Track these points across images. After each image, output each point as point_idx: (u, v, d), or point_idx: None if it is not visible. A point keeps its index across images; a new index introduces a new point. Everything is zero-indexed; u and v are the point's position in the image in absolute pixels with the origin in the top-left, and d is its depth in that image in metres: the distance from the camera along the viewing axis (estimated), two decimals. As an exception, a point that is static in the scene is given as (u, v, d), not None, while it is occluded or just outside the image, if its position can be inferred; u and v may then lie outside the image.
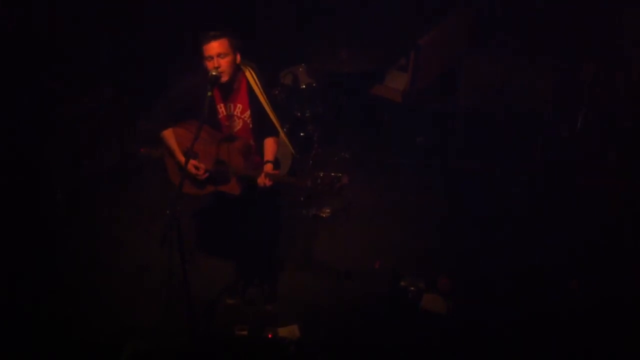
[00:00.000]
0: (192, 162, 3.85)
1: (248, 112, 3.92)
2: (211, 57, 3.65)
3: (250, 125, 3.96)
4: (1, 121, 4.83)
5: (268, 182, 3.71)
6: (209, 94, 3.60)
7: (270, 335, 4.03)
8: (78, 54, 5.26)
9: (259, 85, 3.86)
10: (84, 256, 4.70)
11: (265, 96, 3.87)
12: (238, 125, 3.96)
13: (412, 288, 4.30)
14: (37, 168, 5.04)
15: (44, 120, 5.07)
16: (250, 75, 3.87)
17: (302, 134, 5.33)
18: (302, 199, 5.08)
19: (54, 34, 5.08)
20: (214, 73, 3.64)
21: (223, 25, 3.71)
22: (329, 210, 5.02)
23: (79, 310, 4.27)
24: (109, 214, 5.12)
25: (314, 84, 5.26)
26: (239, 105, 3.91)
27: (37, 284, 4.43)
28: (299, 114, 5.27)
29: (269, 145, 3.92)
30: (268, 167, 3.80)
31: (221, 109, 3.92)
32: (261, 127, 3.93)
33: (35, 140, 5.02)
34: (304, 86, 5.24)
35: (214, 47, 3.64)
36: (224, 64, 3.68)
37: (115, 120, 5.41)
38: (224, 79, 3.71)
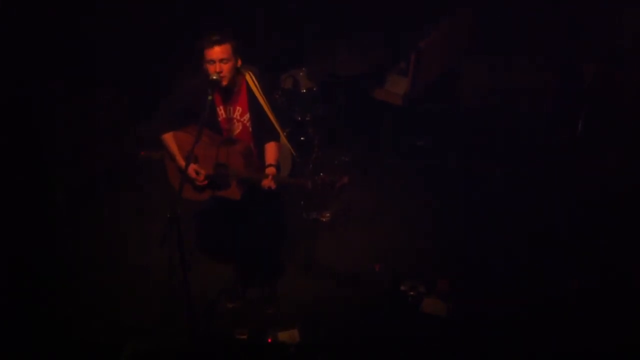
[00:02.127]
0: (193, 166, 3.85)
1: (247, 115, 3.91)
2: (213, 62, 3.65)
3: (250, 129, 3.95)
4: (2, 122, 4.82)
5: (273, 185, 3.70)
6: (209, 97, 3.60)
7: (270, 340, 4.03)
8: (78, 54, 5.25)
9: (259, 89, 3.86)
10: (84, 257, 4.71)
11: (265, 99, 3.86)
12: (238, 128, 3.96)
13: (412, 292, 4.31)
14: (37, 168, 5.03)
15: (44, 121, 5.07)
16: (250, 79, 3.86)
17: (302, 138, 5.33)
18: (302, 202, 5.08)
19: (54, 35, 5.06)
20: (214, 77, 3.64)
21: (226, 30, 3.70)
22: (329, 215, 5.02)
23: (79, 310, 4.28)
24: (109, 214, 5.12)
25: (315, 88, 5.25)
26: (238, 108, 3.91)
27: (37, 284, 4.44)
28: (299, 118, 5.27)
29: (271, 150, 3.89)
30: (271, 171, 3.78)
31: (221, 111, 3.92)
32: (261, 130, 3.92)
33: (35, 141, 5.01)
34: (304, 90, 5.23)
35: (217, 52, 3.63)
36: (226, 69, 3.68)
37: (115, 121, 5.41)
38: (224, 83, 3.71)
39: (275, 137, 3.92)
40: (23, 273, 4.50)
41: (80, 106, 5.25)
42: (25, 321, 4.16)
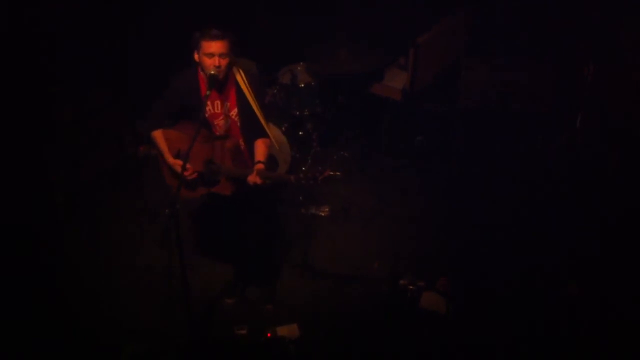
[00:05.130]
0: (179, 162, 3.84)
1: (235, 110, 3.94)
2: (212, 55, 3.67)
3: (238, 124, 3.97)
4: (1, 124, 4.82)
5: (258, 181, 3.70)
6: (208, 93, 3.63)
7: (269, 335, 4.03)
8: (78, 55, 5.25)
9: (248, 84, 3.88)
10: (84, 257, 4.71)
11: (253, 95, 3.88)
12: (226, 124, 3.98)
13: (412, 286, 4.30)
14: (37, 170, 5.03)
15: (43, 122, 5.06)
16: (239, 74, 3.89)
17: (300, 133, 5.33)
18: (300, 198, 5.08)
19: (54, 36, 5.07)
20: (212, 72, 3.66)
21: (227, 26, 3.72)
22: (327, 209, 5.02)
23: (79, 310, 4.28)
24: (109, 214, 5.12)
25: (313, 83, 5.24)
26: (227, 103, 3.92)
27: (37, 285, 4.44)
28: (297, 113, 5.26)
29: (259, 147, 3.92)
30: (259, 167, 3.80)
31: (209, 107, 3.93)
32: (249, 126, 3.94)
33: (35, 142, 5.01)
34: (302, 85, 5.22)
35: (217, 46, 3.66)
36: (224, 63, 3.70)
37: (114, 122, 5.41)
38: (220, 77, 3.73)
39: (264, 135, 3.93)
40: (23, 274, 4.49)
41: (80, 106, 5.25)
42: (25, 321, 4.16)
